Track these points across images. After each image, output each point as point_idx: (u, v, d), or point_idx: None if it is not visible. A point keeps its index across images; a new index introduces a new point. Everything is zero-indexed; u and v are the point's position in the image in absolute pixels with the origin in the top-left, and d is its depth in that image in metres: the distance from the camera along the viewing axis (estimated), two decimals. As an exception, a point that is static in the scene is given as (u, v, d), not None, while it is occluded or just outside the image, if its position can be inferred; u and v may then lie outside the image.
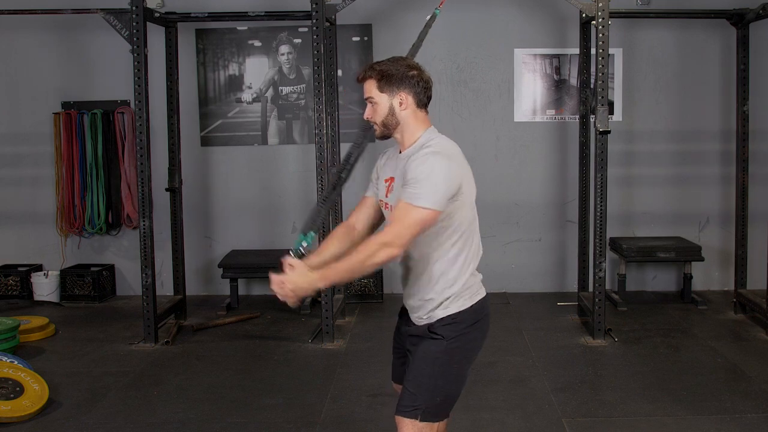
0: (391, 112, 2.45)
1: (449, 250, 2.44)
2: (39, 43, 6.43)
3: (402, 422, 2.44)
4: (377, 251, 2.28)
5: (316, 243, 2.54)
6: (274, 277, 2.32)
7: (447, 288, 2.44)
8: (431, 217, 2.31)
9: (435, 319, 2.46)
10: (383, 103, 2.45)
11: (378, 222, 2.61)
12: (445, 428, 2.80)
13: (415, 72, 2.46)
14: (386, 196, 2.51)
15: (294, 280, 2.31)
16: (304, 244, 2.45)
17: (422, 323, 2.50)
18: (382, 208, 2.56)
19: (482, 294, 2.54)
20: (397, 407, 2.46)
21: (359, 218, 2.60)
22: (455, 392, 2.49)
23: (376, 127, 2.50)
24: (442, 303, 2.45)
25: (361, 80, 2.49)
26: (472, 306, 2.48)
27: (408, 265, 2.50)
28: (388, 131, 2.49)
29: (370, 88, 2.46)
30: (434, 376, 2.43)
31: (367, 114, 2.50)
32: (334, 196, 2.71)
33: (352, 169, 2.72)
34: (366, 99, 2.49)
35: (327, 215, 2.59)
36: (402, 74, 2.44)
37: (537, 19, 6.34)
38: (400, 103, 2.45)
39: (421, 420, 2.42)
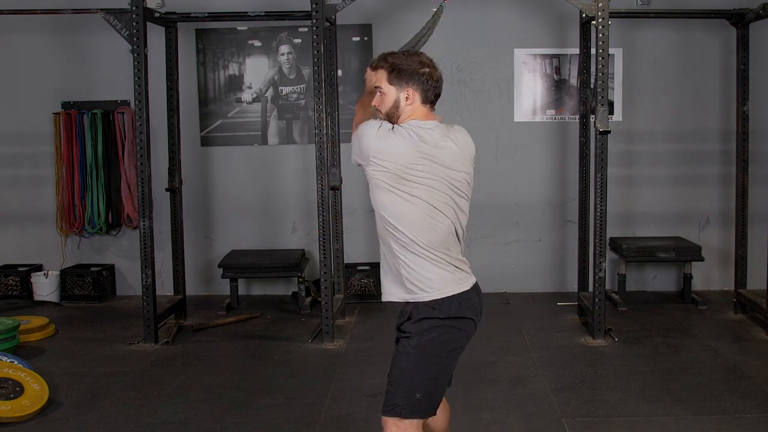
0: (396, 105, 2.50)
1: (396, 241, 2.46)
2: (39, 43, 6.43)
3: (385, 422, 2.45)
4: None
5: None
6: None
7: (404, 279, 2.46)
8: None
9: (410, 306, 2.49)
10: (391, 95, 2.50)
11: None
12: (447, 428, 2.80)
13: (427, 69, 2.51)
14: None
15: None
16: None
17: (386, 299, 2.56)
18: None
19: (455, 290, 2.46)
20: (382, 407, 2.48)
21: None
22: (434, 389, 2.47)
23: (381, 116, 2.55)
24: (403, 290, 2.48)
25: (374, 68, 2.55)
26: (440, 299, 2.44)
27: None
28: (390, 122, 2.52)
29: (381, 78, 2.51)
30: (409, 372, 2.43)
31: (375, 101, 2.55)
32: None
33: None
34: (375, 87, 2.54)
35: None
36: (413, 70, 2.49)
37: (537, 19, 6.34)
38: (407, 98, 2.49)
39: (403, 417, 2.42)
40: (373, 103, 2.57)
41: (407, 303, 2.50)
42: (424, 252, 2.43)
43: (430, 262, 2.44)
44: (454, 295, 2.46)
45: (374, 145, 2.42)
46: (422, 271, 2.44)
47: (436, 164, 2.43)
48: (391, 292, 2.53)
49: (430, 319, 2.45)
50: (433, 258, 2.44)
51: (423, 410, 2.46)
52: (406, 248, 2.44)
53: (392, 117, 2.51)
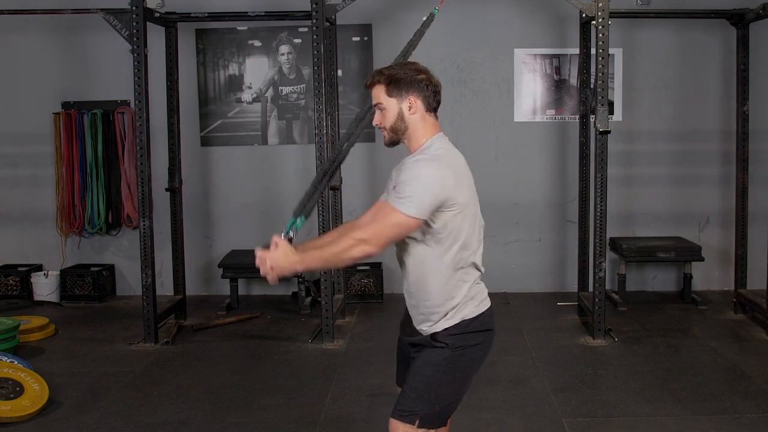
0: (400, 116, 2.42)
1: (446, 260, 2.39)
2: (39, 43, 6.43)
3: (397, 426, 2.41)
4: (353, 247, 2.27)
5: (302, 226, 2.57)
6: (259, 253, 2.35)
7: (448, 300, 2.41)
8: (410, 224, 2.28)
9: (439, 329, 2.42)
10: (392, 107, 2.42)
11: None
12: (447, 429, 2.79)
13: (424, 76, 2.44)
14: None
15: (276, 258, 2.32)
16: (293, 228, 2.48)
17: (425, 332, 2.46)
18: None
19: (487, 305, 2.49)
20: (395, 410, 2.43)
21: (367, 219, 2.49)
22: (454, 402, 2.47)
23: (385, 133, 2.47)
24: (444, 314, 2.42)
25: (369, 86, 2.46)
26: (476, 316, 2.44)
27: (407, 273, 2.47)
28: (396, 137, 2.45)
29: (379, 93, 2.43)
30: (436, 384, 2.40)
31: (376, 120, 2.47)
32: (325, 181, 2.74)
33: (346, 153, 2.73)
34: (375, 105, 2.46)
35: (317, 200, 2.66)
36: (410, 78, 2.41)
37: (537, 19, 6.34)
38: (410, 107, 2.42)
39: (418, 426, 2.40)
40: (374, 123, 2.48)
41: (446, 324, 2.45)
42: (474, 269, 2.45)
43: (475, 278, 2.46)
44: (488, 308, 2.49)
45: (451, 183, 2.32)
46: (471, 291, 2.44)
47: (470, 179, 2.43)
48: (433, 320, 2.43)
49: (468, 333, 2.43)
50: (476, 273, 2.46)
51: (437, 421, 2.45)
52: (462, 267, 2.41)
53: (398, 130, 2.44)
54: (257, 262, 2.34)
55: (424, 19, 3.74)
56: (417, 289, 2.45)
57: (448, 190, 2.31)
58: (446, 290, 2.40)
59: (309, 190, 2.67)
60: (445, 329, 2.42)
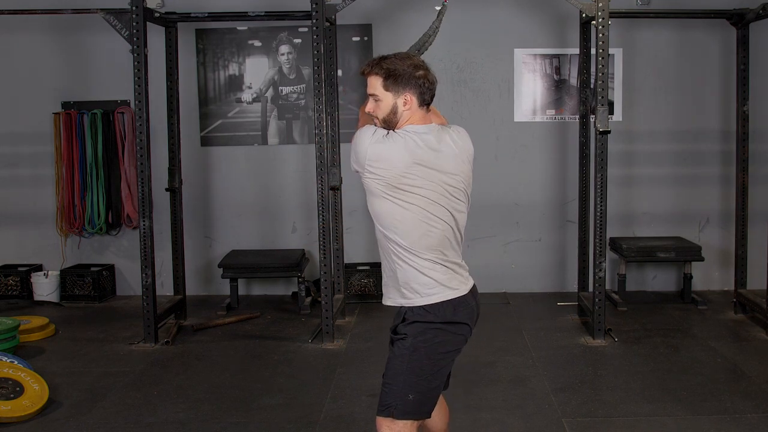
0: (394, 111, 2.45)
1: (392, 246, 2.46)
2: (39, 43, 6.43)
3: (379, 423, 2.46)
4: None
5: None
6: None
7: (400, 283, 2.47)
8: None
9: (405, 310, 2.49)
10: (387, 101, 2.44)
11: None
12: (446, 429, 2.79)
13: (422, 72, 2.45)
14: None
15: None
16: None
17: (393, 309, 2.56)
18: None
19: (450, 294, 2.46)
20: (377, 407, 2.49)
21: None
22: (429, 389, 2.46)
23: (377, 121, 2.50)
24: (399, 295, 2.49)
25: (366, 74, 2.48)
26: (434, 303, 2.44)
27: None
28: (388, 127, 2.48)
29: (375, 84, 2.45)
30: (403, 373, 2.43)
31: (369, 108, 2.49)
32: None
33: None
34: (369, 95, 2.48)
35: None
36: (409, 74, 2.43)
37: (537, 19, 6.34)
38: (405, 103, 2.44)
39: (396, 418, 2.42)
40: (367, 110, 2.51)
41: (402, 306, 2.51)
42: (419, 257, 2.43)
43: (426, 267, 2.44)
44: (449, 299, 2.45)
45: (369, 153, 2.41)
46: (418, 276, 2.44)
47: (430, 169, 2.40)
48: (390, 296, 2.54)
49: (424, 322, 2.45)
50: (429, 263, 2.44)
51: (416, 411, 2.45)
52: (402, 254, 2.44)
53: (390, 123, 2.47)
54: None
55: (438, 8, 3.72)
56: (382, 265, 2.57)
57: (373, 156, 2.41)
58: (398, 274, 2.47)
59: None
60: (404, 319, 2.48)
